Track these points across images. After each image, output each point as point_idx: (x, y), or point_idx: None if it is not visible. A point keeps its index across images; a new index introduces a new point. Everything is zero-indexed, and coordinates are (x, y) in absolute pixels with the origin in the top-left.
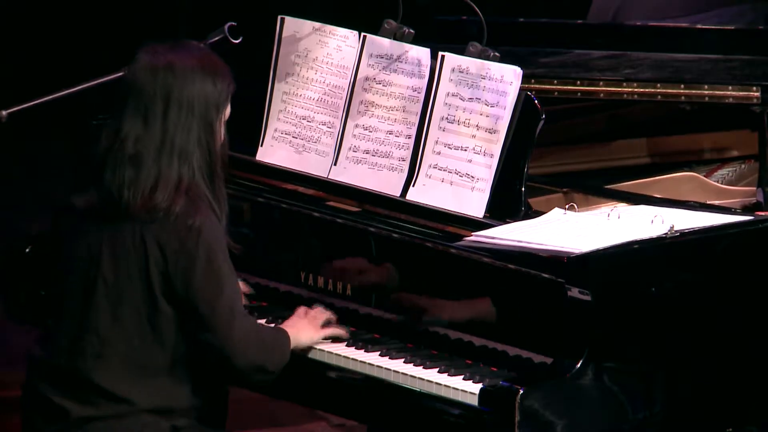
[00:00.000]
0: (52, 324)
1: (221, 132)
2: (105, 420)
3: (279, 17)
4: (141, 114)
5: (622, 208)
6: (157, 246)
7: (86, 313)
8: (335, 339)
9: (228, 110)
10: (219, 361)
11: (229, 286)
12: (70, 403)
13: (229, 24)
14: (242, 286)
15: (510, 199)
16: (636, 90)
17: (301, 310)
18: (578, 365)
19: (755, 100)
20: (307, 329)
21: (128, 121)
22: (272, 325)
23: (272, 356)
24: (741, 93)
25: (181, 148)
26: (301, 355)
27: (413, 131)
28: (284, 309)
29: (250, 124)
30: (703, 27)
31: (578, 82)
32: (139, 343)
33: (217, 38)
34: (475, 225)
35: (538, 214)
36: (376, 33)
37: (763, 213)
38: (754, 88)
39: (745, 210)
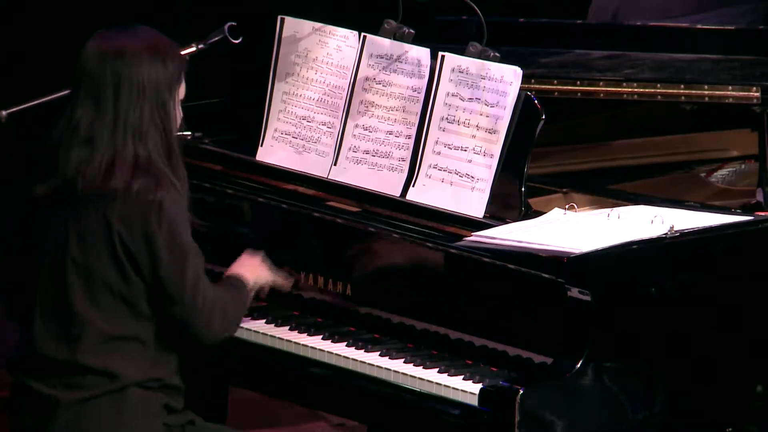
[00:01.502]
0: (27, 316)
1: (176, 111)
2: (96, 399)
3: (279, 17)
4: (92, 99)
5: (622, 208)
6: (121, 223)
7: (61, 297)
8: (334, 339)
9: (182, 90)
10: (186, 334)
11: (193, 260)
12: (59, 390)
13: (229, 24)
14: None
15: (510, 199)
16: (636, 90)
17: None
18: (578, 365)
19: (755, 100)
20: (262, 269)
21: (80, 107)
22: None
23: (234, 324)
24: (741, 93)
25: (135, 128)
26: (302, 355)
27: (413, 131)
28: (283, 309)
29: (250, 124)
30: (704, 27)
31: (578, 83)
32: (117, 319)
33: (217, 38)
34: (475, 225)
35: (538, 214)
36: (376, 33)
37: (763, 213)
38: (754, 89)
39: (745, 210)
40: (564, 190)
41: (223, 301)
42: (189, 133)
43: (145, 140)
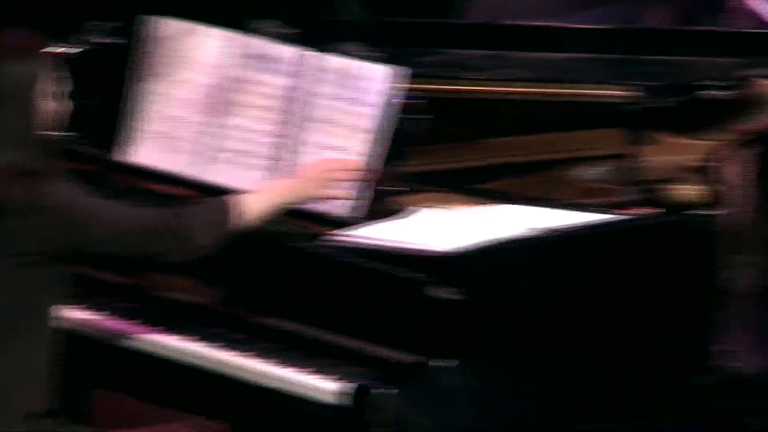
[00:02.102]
0: None
1: (49, 107)
2: None
3: (147, 17)
4: None
5: (494, 206)
6: (14, 232)
7: None
8: (201, 340)
9: (55, 87)
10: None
11: (105, 215)
12: None
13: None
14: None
15: (382, 198)
16: (513, 89)
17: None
18: (445, 364)
19: (627, 99)
20: (295, 187)
21: None
22: None
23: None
24: (614, 92)
25: (1, 137)
26: (160, 355)
27: (284, 130)
28: (158, 310)
29: (124, 125)
30: (580, 26)
31: (457, 82)
32: None
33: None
34: (342, 224)
35: (410, 212)
36: (249, 33)
37: (631, 211)
38: (627, 88)
39: (613, 208)
40: (437, 188)
41: (136, 223)
42: (64, 133)
43: (15, 146)
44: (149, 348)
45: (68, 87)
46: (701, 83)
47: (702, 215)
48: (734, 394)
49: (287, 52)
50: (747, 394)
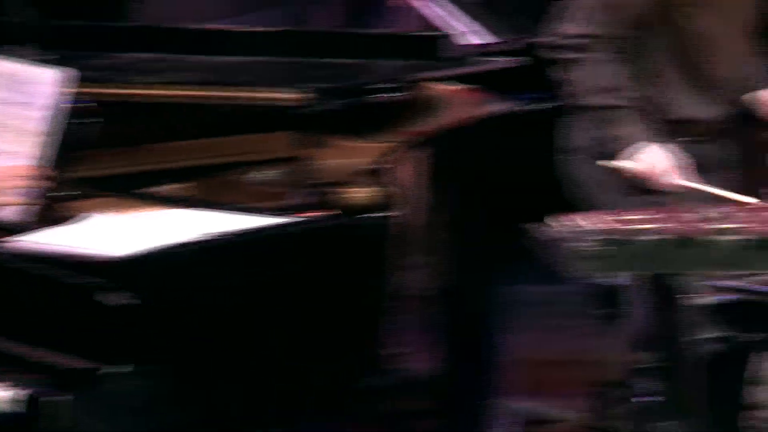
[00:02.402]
0: None
1: None
2: None
3: None
4: None
5: (166, 210)
6: None
7: None
8: None
9: None
10: None
11: None
12: None
13: None
14: None
15: (50, 203)
16: (184, 93)
17: None
18: (118, 370)
19: (298, 102)
20: None
21: None
22: None
23: None
24: (287, 95)
25: None
26: None
27: None
28: None
29: None
30: (249, 29)
31: (128, 86)
32: None
33: None
34: (11, 230)
35: (79, 218)
36: None
37: (304, 215)
38: (298, 91)
39: (286, 211)
40: (109, 193)
41: None
42: None
43: None
44: None
45: None
46: (371, 86)
47: (375, 218)
48: (406, 395)
49: None
50: (418, 396)
